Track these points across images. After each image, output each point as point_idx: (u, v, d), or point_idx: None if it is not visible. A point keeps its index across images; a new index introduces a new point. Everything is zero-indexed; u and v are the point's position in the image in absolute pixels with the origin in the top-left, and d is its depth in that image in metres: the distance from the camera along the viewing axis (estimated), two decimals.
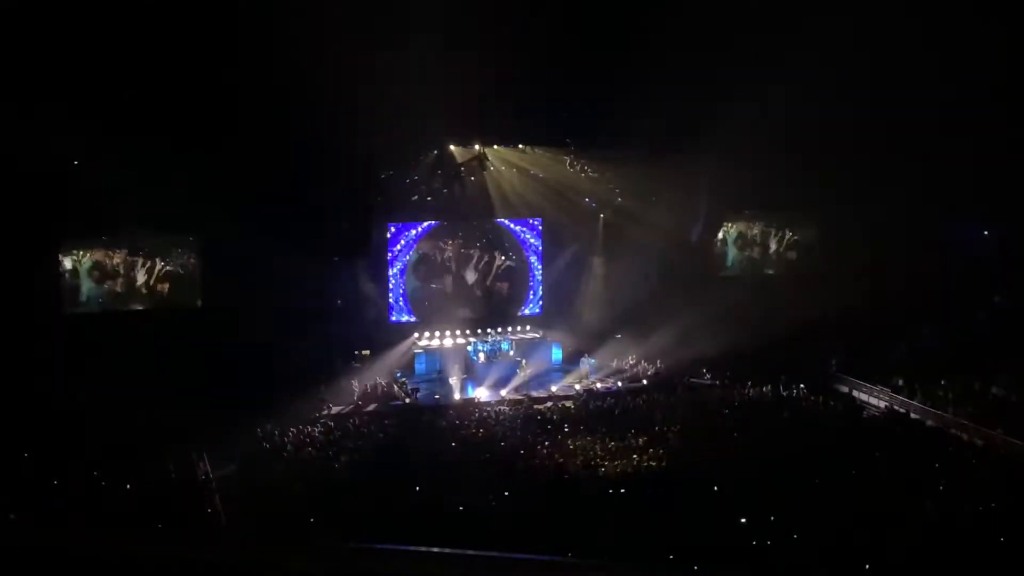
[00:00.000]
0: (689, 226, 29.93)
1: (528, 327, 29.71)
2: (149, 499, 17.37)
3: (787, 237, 32.14)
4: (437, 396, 25.72)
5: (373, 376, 25.99)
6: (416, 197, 28.02)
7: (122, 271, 26.40)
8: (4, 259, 23.52)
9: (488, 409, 24.51)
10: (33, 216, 23.83)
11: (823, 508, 16.84)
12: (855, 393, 26.06)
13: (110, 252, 26.27)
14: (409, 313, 28.93)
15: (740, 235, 31.81)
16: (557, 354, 29.12)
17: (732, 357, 26.85)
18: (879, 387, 25.60)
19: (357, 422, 23.24)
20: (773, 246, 32.05)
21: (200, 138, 23.45)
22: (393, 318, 28.75)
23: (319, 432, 22.09)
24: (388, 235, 28.47)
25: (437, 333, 28.69)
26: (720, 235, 31.68)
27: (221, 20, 22.28)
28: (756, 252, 31.96)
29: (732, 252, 31.87)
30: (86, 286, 26.01)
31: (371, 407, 24.71)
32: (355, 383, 25.44)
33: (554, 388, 26.49)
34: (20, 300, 23.68)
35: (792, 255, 32.07)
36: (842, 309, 28.04)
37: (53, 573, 6.35)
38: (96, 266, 26.09)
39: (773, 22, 24.11)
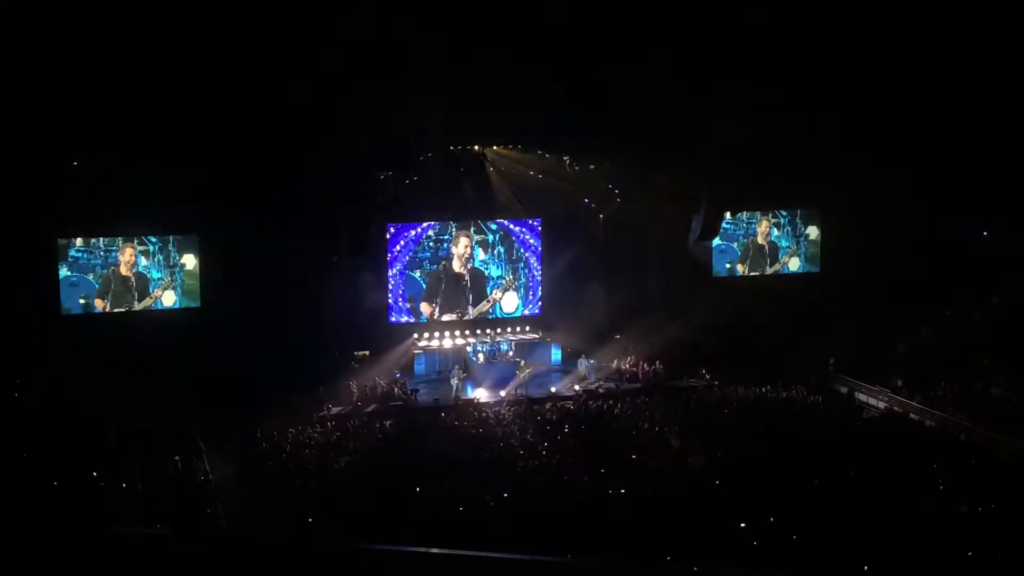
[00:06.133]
0: (689, 226, 29.82)
1: (527, 328, 29.71)
2: (148, 500, 17.38)
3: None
4: (437, 397, 25.70)
5: (372, 377, 25.96)
6: (416, 197, 27.99)
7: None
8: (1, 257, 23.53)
9: (487, 410, 24.48)
10: (30, 213, 23.81)
11: (821, 508, 16.86)
12: (854, 393, 26.04)
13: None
14: (408, 314, 28.91)
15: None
16: (556, 355, 29.11)
17: (731, 357, 26.84)
18: (878, 387, 25.59)
19: (356, 423, 23.21)
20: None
21: (199, 137, 23.39)
22: (392, 319, 28.73)
23: (318, 433, 22.08)
24: (388, 235, 28.45)
25: (436, 334, 28.71)
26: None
27: (222, 17, 22.23)
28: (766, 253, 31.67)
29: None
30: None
31: (370, 408, 24.70)
32: (354, 384, 25.44)
33: (553, 389, 26.51)
34: (16, 298, 23.64)
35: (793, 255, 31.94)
36: (841, 309, 28.06)
37: (51, 574, 6.35)
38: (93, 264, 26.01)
39: (772, 21, 24.10)
